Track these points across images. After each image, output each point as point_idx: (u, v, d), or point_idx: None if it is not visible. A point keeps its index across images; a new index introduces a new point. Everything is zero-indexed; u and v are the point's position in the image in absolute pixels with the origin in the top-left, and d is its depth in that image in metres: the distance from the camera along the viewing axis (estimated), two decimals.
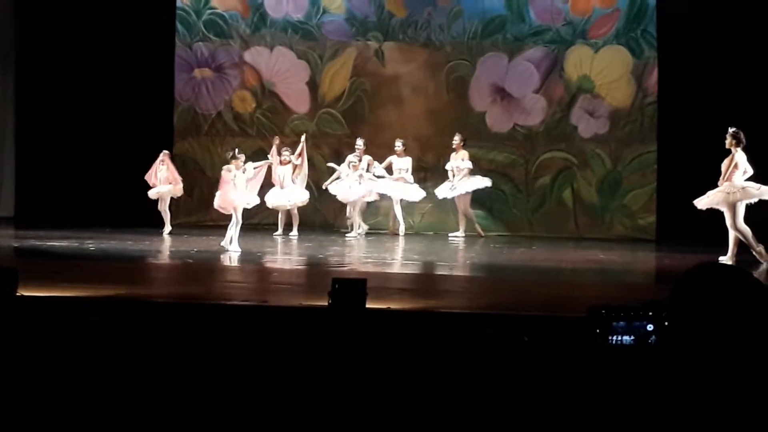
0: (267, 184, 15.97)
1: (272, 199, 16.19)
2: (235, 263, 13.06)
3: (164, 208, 16.40)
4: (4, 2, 18.18)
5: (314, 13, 17.87)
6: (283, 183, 16.20)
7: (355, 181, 16.30)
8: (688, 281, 2.32)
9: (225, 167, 14.34)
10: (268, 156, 16.02)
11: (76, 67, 17.55)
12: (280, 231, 16.43)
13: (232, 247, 13.76)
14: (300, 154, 16.29)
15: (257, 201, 14.69)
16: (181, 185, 16.48)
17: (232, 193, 14.12)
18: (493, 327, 3.76)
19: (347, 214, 16.72)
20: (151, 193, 16.29)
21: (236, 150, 14.51)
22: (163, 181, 16.25)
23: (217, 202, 14.48)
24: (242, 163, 14.27)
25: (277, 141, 16.31)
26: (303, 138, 16.42)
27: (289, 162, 16.24)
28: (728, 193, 12.46)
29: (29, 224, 16.49)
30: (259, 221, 16.77)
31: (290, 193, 16.28)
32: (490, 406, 3.51)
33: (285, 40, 18.00)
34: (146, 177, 16.24)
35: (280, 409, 4.94)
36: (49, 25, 17.77)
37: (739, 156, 12.49)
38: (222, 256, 13.43)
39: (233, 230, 13.88)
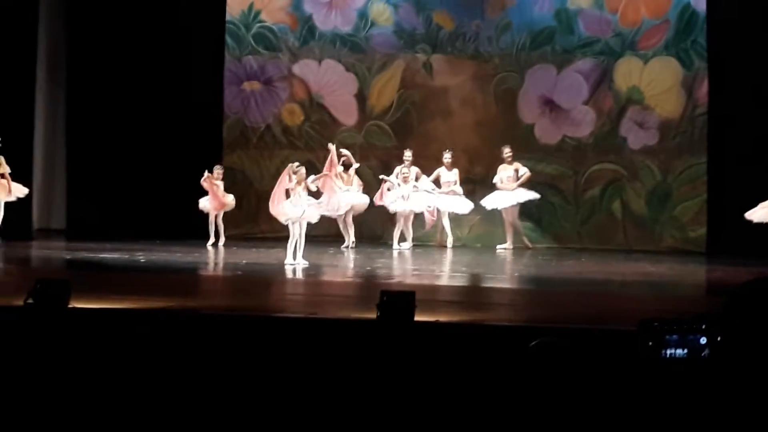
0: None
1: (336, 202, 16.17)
2: (284, 275, 13.10)
3: (215, 221, 16.51)
4: (56, 17, 18.37)
5: (362, 25, 17.93)
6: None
7: (407, 193, 16.33)
8: (742, 295, 2.30)
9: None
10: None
11: (126, 79, 17.71)
12: (348, 242, 16.38)
13: (297, 261, 13.77)
14: (331, 162, 16.16)
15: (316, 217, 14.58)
16: (231, 205, 16.60)
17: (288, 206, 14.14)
18: (538, 339, 3.74)
19: (398, 227, 16.64)
20: (207, 206, 16.45)
21: (296, 164, 14.41)
22: (215, 196, 16.36)
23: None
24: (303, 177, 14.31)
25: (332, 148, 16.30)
26: (331, 146, 16.26)
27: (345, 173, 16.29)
28: None
29: (80, 236, 16.64)
30: (309, 233, 16.78)
31: (350, 197, 16.23)
32: (537, 420, 3.49)
33: (333, 52, 18.07)
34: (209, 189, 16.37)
35: (330, 421, 4.95)
36: (100, 37, 17.95)
37: None
38: (271, 269, 13.46)
39: (291, 245, 13.87)
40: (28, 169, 17.04)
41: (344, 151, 16.47)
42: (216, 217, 16.50)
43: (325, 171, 15.96)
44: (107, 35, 17.92)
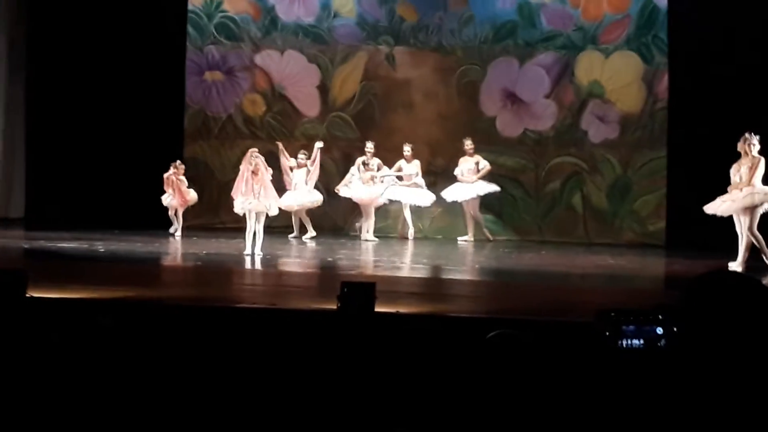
0: (279, 188, 16.11)
1: (286, 202, 16.30)
2: (244, 266, 13.07)
3: (174, 215, 16.49)
4: (15, 9, 18.23)
5: (325, 16, 17.90)
6: (296, 185, 16.29)
7: (368, 183, 16.38)
8: (699, 287, 2.32)
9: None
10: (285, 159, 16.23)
11: (87, 68, 17.60)
12: (296, 233, 16.49)
13: (256, 252, 13.80)
14: (314, 160, 16.36)
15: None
16: (193, 200, 16.60)
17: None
18: (497, 330, 3.75)
19: (362, 218, 16.67)
20: (167, 202, 16.44)
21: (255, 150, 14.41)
22: (176, 194, 16.34)
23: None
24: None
25: (280, 146, 16.42)
26: (318, 145, 16.44)
27: (305, 166, 16.32)
28: (753, 194, 12.48)
29: (39, 226, 16.54)
30: (269, 224, 16.77)
31: (303, 194, 16.34)
32: (496, 410, 3.51)
33: (296, 43, 18.04)
34: (166, 186, 16.34)
35: (288, 411, 4.94)
36: (60, 29, 17.82)
37: (763, 161, 12.53)
38: (231, 259, 13.43)
39: (249, 235, 13.89)
40: None
41: (317, 145, 16.51)
42: (177, 210, 16.48)
43: (309, 166, 16.30)
44: (68, 22, 17.80)
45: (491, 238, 16.62)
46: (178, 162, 16.55)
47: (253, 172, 13.93)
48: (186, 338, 6.81)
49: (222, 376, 5.56)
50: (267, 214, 14.15)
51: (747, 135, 12.64)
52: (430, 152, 17.42)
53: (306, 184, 16.37)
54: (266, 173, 14.06)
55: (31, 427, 4.18)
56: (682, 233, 15.63)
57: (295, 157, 16.40)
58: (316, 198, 16.49)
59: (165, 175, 16.36)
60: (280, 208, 14.98)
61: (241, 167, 14.17)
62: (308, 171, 16.37)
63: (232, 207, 14.35)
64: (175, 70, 18.12)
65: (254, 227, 13.83)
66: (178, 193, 16.35)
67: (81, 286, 9.33)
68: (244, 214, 14.04)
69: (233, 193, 14.22)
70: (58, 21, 17.84)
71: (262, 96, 18.20)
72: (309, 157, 16.41)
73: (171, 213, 16.51)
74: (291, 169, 16.37)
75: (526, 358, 3.56)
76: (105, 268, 12.17)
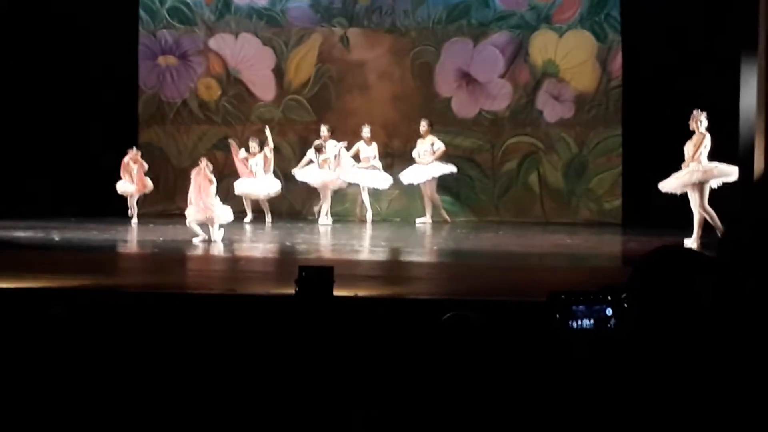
0: (233, 174, 16.14)
1: (244, 188, 16.26)
2: (201, 253, 13.03)
3: (132, 203, 16.39)
4: None
5: None
6: (255, 173, 16.27)
7: (324, 167, 16.39)
8: (646, 265, 2.33)
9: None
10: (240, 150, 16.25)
11: (38, 55, 17.39)
12: (250, 217, 16.44)
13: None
14: (271, 147, 16.37)
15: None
16: (150, 188, 16.49)
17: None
18: (452, 312, 3.76)
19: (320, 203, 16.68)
20: (122, 189, 16.30)
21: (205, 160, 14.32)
22: (136, 180, 16.22)
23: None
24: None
25: (234, 142, 16.40)
26: (267, 129, 16.45)
27: (261, 152, 16.30)
28: (699, 171, 12.61)
29: None
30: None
31: (264, 183, 16.34)
32: (452, 392, 3.52)
33: (250, 26, 17.94)
34: (123, 172, 16.22)
35: (247, 397, 4.94)
36: (9, 13, 17.59)
37: (708, 138, 12.67)
38: (188, 246, 13.37)
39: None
40: None
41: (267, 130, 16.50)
42: (131, 197, 16.36)
43: (267, 153, 16.39)
44: (18, 10, 17.58)
45: (449, 219, 16.65)
46: (134, 148, 16.40)
47: (196, 184, 13.82)
48: (144, 326, 6.78)
49: (181, 363, 5.54)
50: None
51: (695, 112, 12.81)
52: (386, 134, 17.40)
53: (265, 172, 16.36)
54: (212, 183, 13.89)
55: None
56: (638, 211, 15.73)
57: (246, 148, 16.36)
58: (276, 188, 16.48)
59: (124, 160, 16.20)
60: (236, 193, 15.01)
61: (192, 175, 14.04)
62: (265, 157, 16.33)
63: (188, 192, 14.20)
64: (128, 55, 17.97)
65: (204, 237, 13.68)
66: (138, 179, 16.22)
67: (36, 276, 9.26)
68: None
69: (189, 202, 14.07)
70: (7, 3, 17.60)
71: (217, 80, 18.10)
72: (261, 145, 16.37)
73: (130, 201, 16.37)
74: (246, 160, 16.34)
75: (479, 339, 3.58)
76: (60, 257, 12.09)
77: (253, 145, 16.37)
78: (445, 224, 16.42)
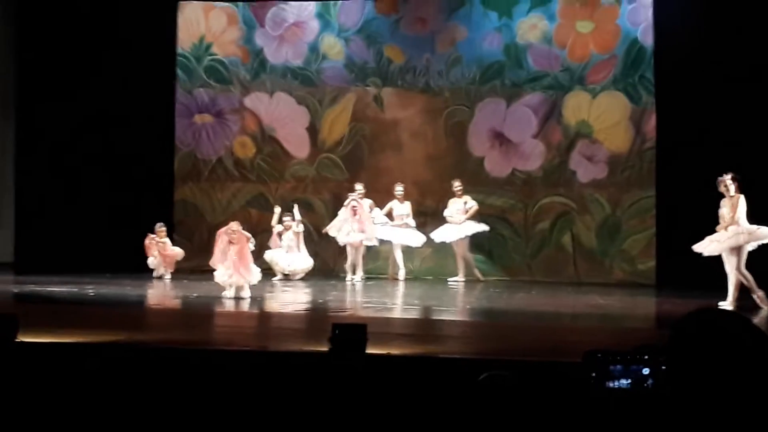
0: (266, 231, 16.21)
1: (278, 259, 16.31)
2: (235, 309, 13.05)
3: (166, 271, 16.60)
4: (5, 50, 18.29)
5: (313, 59, 18.00)
6: (290, 248, 16.38)
7: (356, 226, 16.45)
8: (686, 326, 2.33)
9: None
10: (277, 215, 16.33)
11: (77, 110, 17.63)
12: (279, 276, 16.46)
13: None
14: (299, 222, 16.47)
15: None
16: (180, 257, 16.68)
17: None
18: (487, 372, 3.76)
19: (350, 260, 16.72)
20: (153, 264, 16.52)
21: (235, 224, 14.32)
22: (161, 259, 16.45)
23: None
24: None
25: (278, 210, 16.45)
26: (296, 207, 16.56)
27: (291, 228, 16.38)
28: (743, 234, 12.57)
29: (29, 269, 16.51)
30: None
31: (297, 259, 16.42)
32: None
33: (285, 85, 18.12)
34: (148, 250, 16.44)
35: None
36: (50, 72, 17.87)
37: (743, 200, 12.64)
38: (221, 302, 13.40)
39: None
40: None
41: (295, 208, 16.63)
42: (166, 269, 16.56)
43: (295, 228, 16.50)
44: (57, 65, 17.85)
45: (481, 278, 16.62)
46: (158, 225, 16.59)
47: (230, 242, 13.84)
48: (177, 382, 6.79)
49: (215, 420, 5.55)
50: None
51: (721, 177, 12.79)
52: (419, 193, 17.45)
53: (299, 249, 16.46)
54: (245, 244, 13.94)
55: None
56: (672, 272, 15.65)
57: (281, 222, 16.45)
58: (308, 266, 16.54)
59: (146, 243, 16.43)
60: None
61: (218, 237, 14.10)
62: (296, 234, 16.42)
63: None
64: (165, 113, 18.17)
65: (234, 294, 13.69)
66: (161, 256, 16.45)
67: (71, 331, 9.31)
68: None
69: (212, 263, 14.10)
70: (47, 64, 17.88)
71: (252, 138, 18.25)
72: (293, 219, 16.47)
73: (160, 271, 16.53)
74: (279, 234, 16.43)
75: (516, 399, 3.57)
76: (95, 312, 12.14)
77: (287, 219, 16.46)
78: (477, 283, 16.38)
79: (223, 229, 14.12)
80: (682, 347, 2.28)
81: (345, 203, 16.63)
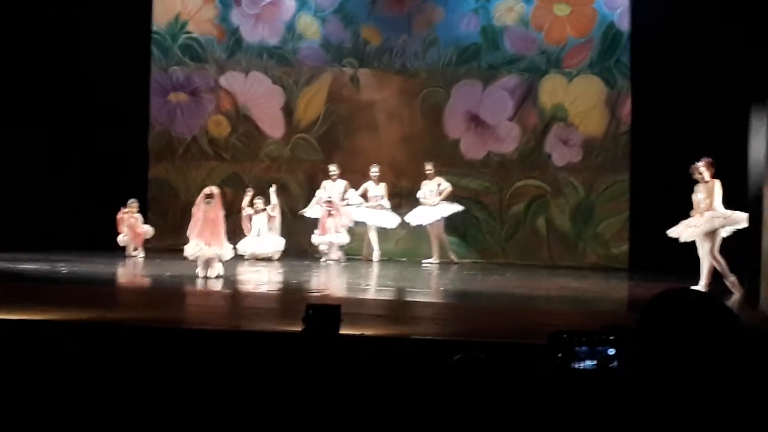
0: (238, 233, 16.10)
1: (249, 248, 16.21)
2: (208, 288, 13.02)
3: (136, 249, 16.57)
4: None
5: (290, 38, 17.92)
6: (260, 231, 16.34)
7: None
8: (656, 305, 2.34)
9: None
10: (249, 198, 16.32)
11: (49, 89, 17.49)
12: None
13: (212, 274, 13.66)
14: (274, 206, 16.44)
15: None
16: (149, 235, 16.70)
17: None
18: (460, 353, 3.76)
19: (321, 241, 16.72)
20: (123, 242, 16.47)
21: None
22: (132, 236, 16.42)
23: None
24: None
25: (250, 193, 16.39)
26: (273, 189, 16.50)
27: (264, 210, 16.35)
28: (719, 218, 12.61)
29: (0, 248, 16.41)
30: None
31: (267, 242, 16.38)
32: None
33: (260, 65, 18.04)
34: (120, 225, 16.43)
35: None
36: (22, 47, 17.71)
37: (718, 184, 12.67)
38: (195, 281, 13.36)
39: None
40: None
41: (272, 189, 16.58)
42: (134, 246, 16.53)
43: (270, 212, 16.55)
44: (31, 43, 17.69)
45: (456, 260, 16.65)
46: (131, 201, 16.54)
47: (205, 215, 13.71)
48: (148, 361, 6.78)
49: (186, 399, 5.54)
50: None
51: (694, 164, 12.84)
52: (395, 174, 17.44)
53: (269, 230, 16.42)
54: (220, 215, 13.83)
55: None
56: (645, 256, 15.71)
57: (251, 205, 16.39)
58: (280, 247, 16.50)
59: (118, 216, 16.39)
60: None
61: (194, 209, 13.99)
62: (269, 217, 16.40)
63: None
64: (140, 91, 18.07)
65: (205, 273, 13.59)
66: (132, 232, 16.40)
67: (42, 308, 9.27)
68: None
69: (189, 233, 14.01)
70: (19, 39, 17.72)
71: (227, 117, 18.18)
72: (266, 203, 16.43)
73: (130, 250, 16.48)
74: (249, 217, 16.38)
75: (488, 380, 3.58)
76: (66, 290, 12.10)
77: (259, 202, 16.42)
78: (451, 265, 16.40)
79: (200, 196, 13.90)
80: (651, 326, 2.28)
81: (320, 202, 16.60)
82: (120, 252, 16.34)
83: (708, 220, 12.70)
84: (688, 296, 2.36)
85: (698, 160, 12.84)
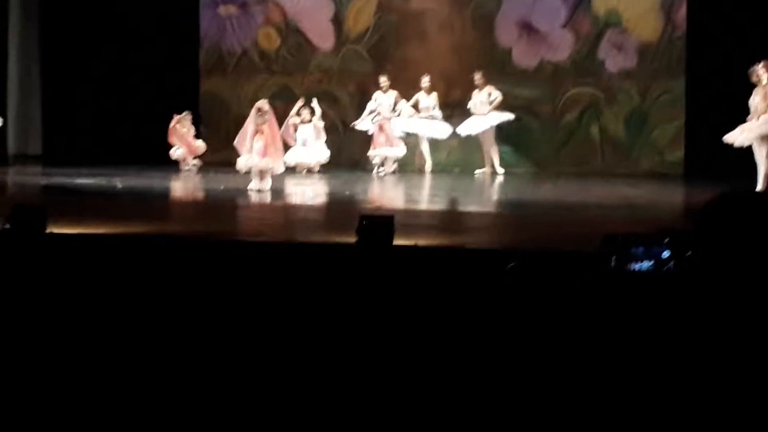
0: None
1: (296, 158, 16.18)
2: (261, 200, 13.09)
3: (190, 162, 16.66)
4: None
5: None
6: (306, 142, 16.31)
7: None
8: (714, 208, 2.31)
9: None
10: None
11: (101, 6, 17.51)
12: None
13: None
14: (320, 116, 16.41)
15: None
16: (202, 149, 16.75)
17: None
18: (514, 262, 3.75)
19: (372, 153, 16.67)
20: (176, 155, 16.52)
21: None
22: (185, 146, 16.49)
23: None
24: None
25: (300, 103, 16.30)
26: (315, 101, 16.40)
27: (310, 122, 16.31)
28: (767, 123, 12.44)
29: (57, 162, 16.58)
30: None
31: (314, 152, 16.37)
32: (514, 344, 3.52)
33: None
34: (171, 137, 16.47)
35: (305, 349, 4.97)
36: None
37: None
38: (249, 194, 13.42)
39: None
40: (2, 96, 17.04)
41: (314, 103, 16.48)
42: (186, 158, 16.59)
43: (316, 122, 16.43)
44: None
45: (499, 172, 16.45)
46: (185, 113, 16.59)
47: (257, 129, 13.73)
48: (204, 275, 6.84)
49: (240, 313, 5.59)
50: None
51: (753, 66, 12.60)
52: (446, 85, 17.30)
53: (317, 140, 16.40)
54: (275, 128, 13.85)
55: (48, 362, 4.21)
56: (701, 163, 15.53)
57: (299, 114, 16.34)
58: (326, 156, 16.49)
59: (170, 126, 16.42)
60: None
61: (247, 121, 13.99)
62: (315, 127, 16.35)
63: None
64: (190, 4, 18.02)
65: (258, 186, 13.62)
66: (185, 144, 16.46)
67: (99, 222, 9.38)
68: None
69: (237, 145, 14.05)
70: None
71: (277, 30, 18.10)
72: (312, 114, 16.38)
73: (183, 163, 16.57)
74: (295, 126, 16.33)
75: (542, 288, 3.57)
76: (123, 204, 12.23)
77: (305, 113, 16.37)
78: (503, 175, 16.28)
79: (252, 111, 13.91)
80: (711, 228, 2.25)
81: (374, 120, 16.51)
82: (174, 166, 16.43)
83: (763, 123, 12.51)
84: (748, 198, 2.33)
85: (757, 63, 12.61)
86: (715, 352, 2.20)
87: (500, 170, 16.46)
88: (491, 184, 15.51)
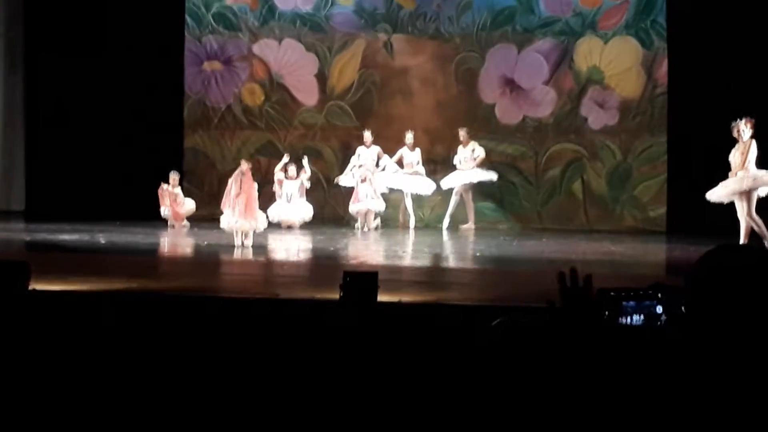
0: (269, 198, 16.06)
1: (280, 215, 16.18)
2: (245, 257, 13.06)
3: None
4: (12, 6, 18.22)
5: (323, 5, 17.85)
6: (291, 198, 16.33)
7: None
8: (709, 261, 2.30)
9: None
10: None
11: (85, 61, 17.54)
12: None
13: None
14: (309, 176, 16.45)
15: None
16: (190, 212, 16.68)
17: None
18: (500, 318, 3.74)
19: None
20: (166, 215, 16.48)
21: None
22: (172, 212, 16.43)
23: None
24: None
25: (286, 158, 16.37)
26: (306, 160, 16.45)
27: (297, 178, 16.33)
28: (748, 179, 12.51)
29: (40, 217, 16.52)
30: None
31: (298, 209, 16.37)
32: (500, 398, 3.50)
33: (293, 32, 17.99)
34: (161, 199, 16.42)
35: (290, 403, 4.94)
36: (58, 21, 17.77)
37: (754, 145, 12.56)
38: (233, 250, 13.41)
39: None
40: None
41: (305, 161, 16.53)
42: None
43: (304, 182, 16.52)
44: (64, 17, 17.74)
45: (473, 227, 16.48)
46: (172, 173, 16.54)
47: (239, 190, 13.83)
48: (188, 330, 6.81)
49: (225, 369, 5.55)
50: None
51: (735, 122, 12.71)
52: (429, 140, 17.38)
53: (300, 197, 16.41)
54: (253, 188, 13.95)
55: (30, 419, 4.17)
56: (683, 219, 15.59)
57: (285, 170, 16.39)
58: (310, 214, 16.49)
59: (159, 192, 16.37)
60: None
61: (230, 181, 14.08)
62: (302, 185, 16.38)
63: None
64: (174, 61, 18.09)
65: (241, 242, 13.71)
66: (172, 210, 16.38)
67: (83, 278, 9.33)
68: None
69: (222, 206, 14.13)
70: (54, 16, 17.77)
71: (261, 85, 18.17)
72: (299, 170, 16.41)
73: (171, 222, 16.52)
74: (280, 182, 16.37)
75: (530, 344, 3.55)
76: (106, 260, 12.18)
77: (292, 169, 16.42)
78: (487, 231, 16.28)
79: (235, 174, 14.10)
80: (704, 282, 2.25)
81: (357, 174, 16.54)
82: (158, 222, 16.39)
83: (738, 180, 12.61)
84: (743, 251, 2.33)
85: (739, 118, 12.71)
86: (709, 406, 2.19)
87: (473, 226, 16.47)
88: (475, 241, 15.50)
